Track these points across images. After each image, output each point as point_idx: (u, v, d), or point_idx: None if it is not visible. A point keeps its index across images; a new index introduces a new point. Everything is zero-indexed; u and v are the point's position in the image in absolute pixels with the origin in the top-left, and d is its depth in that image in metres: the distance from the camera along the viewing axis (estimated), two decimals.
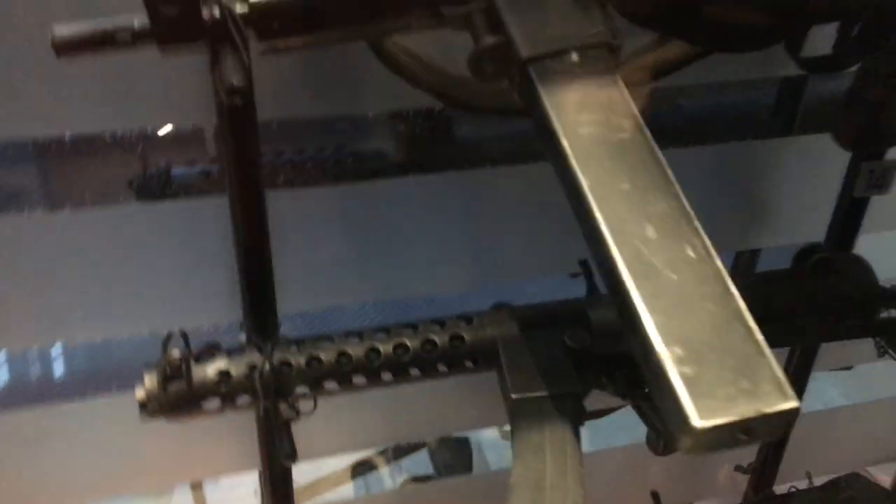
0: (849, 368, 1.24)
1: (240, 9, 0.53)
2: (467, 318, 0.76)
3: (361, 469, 1.48)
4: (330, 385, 0.73)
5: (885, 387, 1.30)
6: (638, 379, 0.81)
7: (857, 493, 1.03)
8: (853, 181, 0.88)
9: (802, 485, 1.12)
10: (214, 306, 0.89)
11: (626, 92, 0.50)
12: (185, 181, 0.96)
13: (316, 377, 0.72)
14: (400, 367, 0.73)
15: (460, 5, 0.55)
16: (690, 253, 0.43)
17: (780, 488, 1.15)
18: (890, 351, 0.90)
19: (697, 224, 0.45)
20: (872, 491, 1.06)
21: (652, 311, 0.41)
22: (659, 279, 0.42)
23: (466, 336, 0.74)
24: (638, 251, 0.43)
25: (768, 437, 0.40)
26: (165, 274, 0.87)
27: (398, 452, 1.51)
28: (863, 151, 0.85)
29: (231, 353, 0.71)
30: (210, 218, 0.84)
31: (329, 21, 0.55)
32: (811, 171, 0.97)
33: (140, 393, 0.69)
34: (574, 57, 0.51)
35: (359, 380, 0.73)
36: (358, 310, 0.98)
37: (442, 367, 0.75)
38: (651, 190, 0.46)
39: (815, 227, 0.97)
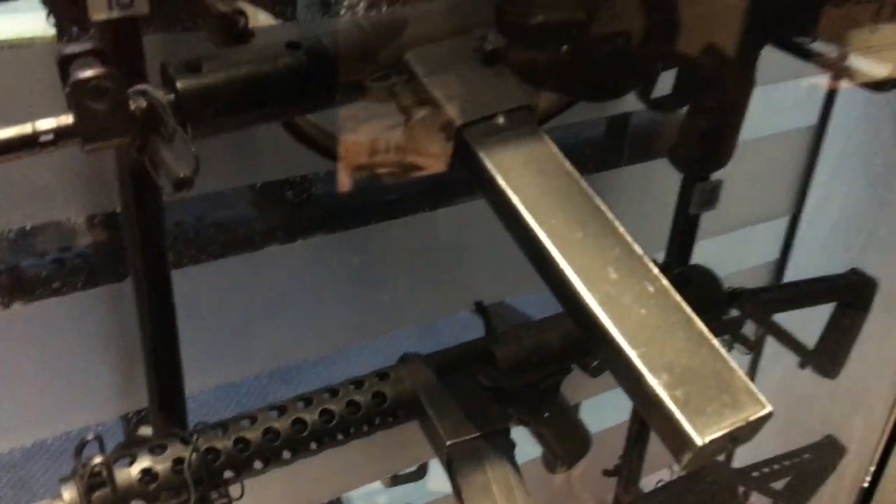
0: None
1: (168, 97, 0.53)
2: (383, 374, 0.77)
3: None
4: (258, 464, 0.71)
5: None
6: (538, 407, 0.87)
7: (717, 478, 1.16)
8: (687, 200, 0.99)
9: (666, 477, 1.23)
10: (88, 406, 0.83)
11: (554, 146, 0.55)
12: (35, 276, 0.89)
13: (244, 459, 0.70)
14: (327, 434, 0.73)
15: (384, 80, 0.57)
16: (650, 288, 0.49)
17: (646, 482, 1.25)
18: (735, 345, 1.02)
19: (648, 261, 0.50)
20: (728, 473, 1.18)
21: (634, 345, 0.46)
22: (631, 316, 0.47)
23: (387, 392, 0.76)
24: (607, 293, 0.48)
25: (748, 439, 0.46)
26: (30, 380, 0.80)
27: None
28: (694, 174, 0.97)
29: (152, 448, 0.68)
30: (72, 314, 0.79)
31: (260, 104, 0.55)
32: (645, 196, 1.09)
33: None
34: (501, 120, 0.55)
35: (287, 454, 0.72)
36: (252, 383, 0.95)
37: (367, 427, 0.76)
38: (601, 235, 0.51)
39: (654, 245, 1.08)
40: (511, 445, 0.73)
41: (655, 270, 0.49)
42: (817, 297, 1.03)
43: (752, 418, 0.44)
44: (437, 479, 1.45)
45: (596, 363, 0.85)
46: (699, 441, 0.43)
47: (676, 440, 0.44)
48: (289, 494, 1.02)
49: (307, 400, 0.74)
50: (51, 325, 0.77)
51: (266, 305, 0.91)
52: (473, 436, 0.72)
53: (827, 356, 1.09)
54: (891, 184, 1.36)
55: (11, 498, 0.86)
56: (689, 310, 0.48)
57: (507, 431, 0.75)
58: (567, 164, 0.54)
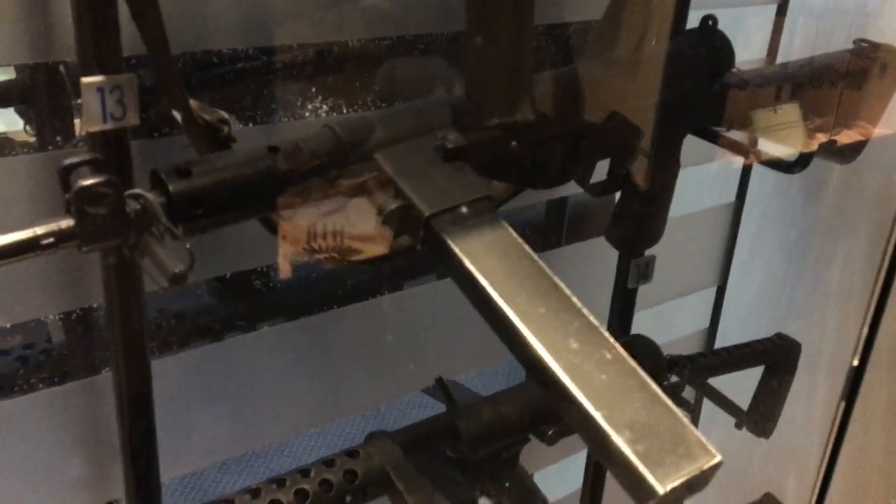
0: None
1: (160, 200, 0.57)
2: (352, 452, 0.81)
3: None
4: None
5: None
6: (499, 477, 0.92)
7: None
8: (625, 276, 1.07)
9: None
10: (59, 500, 0.84)
11: (512, 231, 0.62)
12: (4, 373, 0.90)
13: None
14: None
15: (356, 177, 0.63)
16: (608, 356, 0.55)
17: None
18: None
19: (604, 331, 0.56)
20: None
21: (598, 407, 0.51)
22: (593, 381, 0.53)
23: (358, 469, 0.79)
24: (570, 362, 0.54)
25: (702, 487, 0.51)
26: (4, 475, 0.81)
27: None
28: (629, 251, 1.05)
29: None
30: (45, 409, 0.80)
31: (244, 203, 0.61)
32: (585, 273, 1.16)
33: None
34: (464, 209, 0.62)
35: None
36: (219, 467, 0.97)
37: (362, 497, 0.79)
38: (562, 310, 0.57)
39: (596, 317, 1.15)
40: None
41: (611, 339, 0.56)
42: (747, 361, 1.11)
43: (705, 467, 0.50)
44: None
45: (552, 431, 0.90)
46: (660, 490, 0.48)
47: (640, 490, 0.49)
48: None
49: (280, 481, 0.76)
50: (24, 420, 0.79)
51: (227, 393, 0.93)
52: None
53: (760, 416, 1.16)
54: (805, 253, 1.48)
55: None
56: (643, 373, 0.54)
57: (474, 501, 0.78)
58: (525, 247, 0.61)
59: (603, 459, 0.52)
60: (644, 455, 0.49)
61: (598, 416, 0.51)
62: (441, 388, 0.89)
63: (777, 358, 1.12)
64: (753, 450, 1.60)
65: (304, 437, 0.94)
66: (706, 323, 1.40)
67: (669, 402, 0.53)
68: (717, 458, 0.51)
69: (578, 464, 1.30)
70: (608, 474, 1.26)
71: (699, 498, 1.51)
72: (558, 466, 1.55)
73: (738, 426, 1.17)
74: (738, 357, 1.10)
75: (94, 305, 0.77)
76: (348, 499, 0.79)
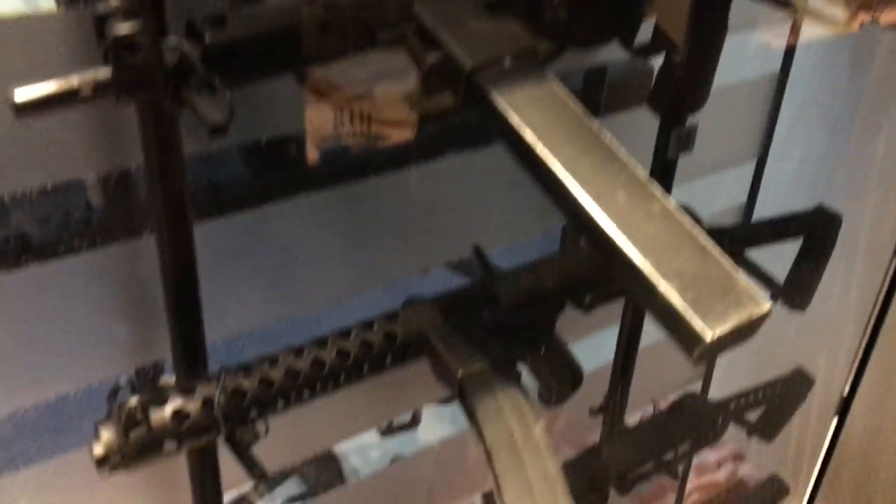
0: None
1: (196, 49, 0.56)
2: (392, 316, 0.82)
3: None
4: (281, 403, 0.75)
5: None
6: (535, 343, 0.93)
7: (697, 409, 1.22)
8: (665, 146, 1.04)
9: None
10: (105, 360, 0.86)
11: (559, 84, 0.60)
12: (51, 234, 0.91)
13: (269, 398, 0.74)
14: (343, 372, 0.78)
15: (392, 28, 0.61)
16: (655, 208, 0.54)
17: (630, 419, 1.31)
18: None
19: (652, 184, 0.55)
20: (707, 405, 1.25)
21: (646, 256, 0.51)
22: (641, 232, 0.52)
23: (397, 331, 0.80)
24: (618, 214, 0.53)
25: (749, 336, 0.51)
26: (50, 336, 0.83)
27: (269, 484, 1.50)
28: (671, 117, 1.02)
29: (183, 390, 0.71)
30: (89, 272, 0.81)
31: (280, 55, 0.59)
32: (623, 143, 1.13)
33: (98, 449, 0.68)
34: (508, 62, 0.60)
35: (307, 392, 0.77)
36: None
37: (380, 365, 0.80)
38: (609, 162, 0.55)
39: None
40: (517, 375, 0.78)
41: (658, 192, 0.54)
42: (787, 233, 1.10)
43: (754, 315, 0.50)
44: (429, 429, 1.51)
45: (589, 298, 0.90)
46: (709, 336, 0.48)
47: (688, 338, 0.49)
48: (285, 445, 1.06)
49: (322, 342, 0.78)
50: (69, 282, 0.80)
51: (265, 260, 0.94)
52: (482, 366, 0.77)
53: (796, 289, 1.15)
54: (848, 127, 1.44)
55: (44, 447, 0.89)
56: (690, 224, 0.53)
57: (513, 362, 0.79)
58: (572, 101, 0.59)
59: (651, 309, 0.51)
60: (693, 302, 0.49)
61: (646, 265, 0.50)
62: (478, 256, 0.89)
63: (817, 230, 1.10)
64: (786, 324, 1.60)
65: (340, 311, 0.94)
66: (744, 197, 1.38)
67: (718, 252, 0.52)
68: (766, 307, 0.50)
69: (610, 337, 1.31)
70: (639, 349, 1.28)
71: (730, 370, 1.53)
72: (589, 341, 1.57)
73: (774, 298, 1.17)
74: (777, 229, 1.09)
75: (134, 168, 0.76)
76: (388, 360, 0.81)
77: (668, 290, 0.49)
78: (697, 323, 0.48)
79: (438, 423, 1.47)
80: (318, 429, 1.10)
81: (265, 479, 0.72)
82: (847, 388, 1.28)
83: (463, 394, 0.76)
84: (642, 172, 0.55)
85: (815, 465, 1.66)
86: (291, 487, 1.54)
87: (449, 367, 0.77)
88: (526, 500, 0.64)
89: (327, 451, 1.60)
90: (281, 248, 0.94)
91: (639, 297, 0.52)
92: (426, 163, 1.02)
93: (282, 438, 1.04)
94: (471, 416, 0.74)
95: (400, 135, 1.26)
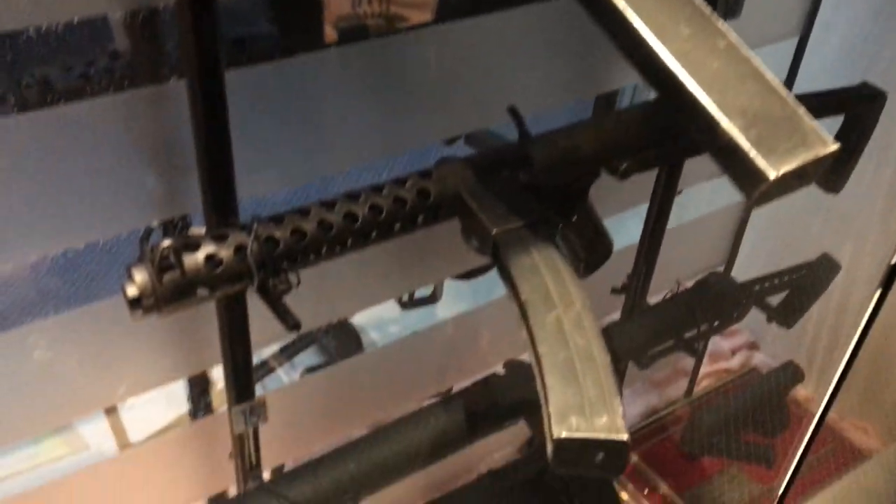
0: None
1: None
2: (425, 174, 0.80)
3: (258, 373, 1.48)
4: (313, 255, 0.74)
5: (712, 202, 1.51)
6: (568, 210, 0.91)
7: (723, 287, 1.22)
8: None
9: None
10: (135, 210, 0.85)
11: None
12: (78, 76, 0.88)
13: (301, 249, 0.73)
14: (376, 227, 0.76)
15: None
16: (720, 43, 0.51)
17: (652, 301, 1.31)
18: None
19: (716, 19, 0.52)
20: (732, 286, 1.25)
21: (710, 93, 0.48)
22: (705, 68, 0.49)
23: (431, 189, 0.79)
24: (681, 49, 0.50)
25: (813, 178, 0.49)
26: (78, 183, 0.81)
27: (288, 352, 1.52)
28: None
29: (215, 237, 0.70)
30: (115, 117, 0.79)
31: None
32: None
33: (132, 290, 0.67)
34: None
35: (338, 246, 0.76)
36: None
37: (412, 223, 0.79)
38: None
39: None
40: (553, 233, 0.77)
41: (724, 27, 0.51)
42: (828, 108, 1.06)
43: (820, 155, 0.47)
44: (449, 306, 1.52)
45: (624, 166, 0.88)
46: (772, 175, 0.46)
47: (750, 177, 0.47)
48: (307, 311, 1.06)
49: (355, 196, 0.76)
50: (95, 127, 0.78)
51: (295, 118, 0.91)
52: (517, 224, 0.76)
53: (831, 170, 1.12)
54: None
55: (73, 296, 0.90)
56: (757, 62, 0.50)
57: (548, 222, 0.78)
58: None
59: (712, 149, 0.49)
60: (756, 141, 0.47)
61: (709, 101, 0.48)
62: (513, 116, 0.86)
63: (860, 107, 1.07)
64: (813, 212, 1.58)
65: (371, 175, 0.92)
66: (784, 74, 1.33)
67: (784, 91, 0.50)
68: (833, 147, 0.48)
69: (637, 220, 1.30)
70: (665, 229, 1.26)
71: (753, 257, 1.51)
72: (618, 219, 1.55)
73: None
74: (818, 103, 1.05)
75: (161, 6, 0.73)
76: (420, 218, 0.80)
77: (731, 128, 0.47)
78: (760, 161, 0.46)
79: (459, 300, 1.47)
80: (339, 296, 1.09)
81: (298, 330, 0.72)
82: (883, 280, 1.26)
83: (497, 252, 0.75)
84: (707, 7, 0.52)
85: (829, 357, 1.67)
86: (311, 358, 1.57)
87: (484, 224, 0.76)
88: (562, 349, 0.63)
89: (347, 323, 1.62)
90: (310, 106, 0.91)
91: (700, 136, 0.49)
92: (460, 21, 0.98)
93: (304, 304, 1.05)
94: (505, 273, 0.73)
95: (419, 16, 1.21)
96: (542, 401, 0.62)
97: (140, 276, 0.67)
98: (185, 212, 0.86)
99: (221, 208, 0.77)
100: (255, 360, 1.50)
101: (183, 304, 0.70)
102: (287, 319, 0.72)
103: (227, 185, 0.76)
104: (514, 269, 0.72)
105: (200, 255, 0.69)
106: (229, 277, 0.70)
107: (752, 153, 0.47)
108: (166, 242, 0.66)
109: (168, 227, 0.88)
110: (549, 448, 0.59)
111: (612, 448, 0.57)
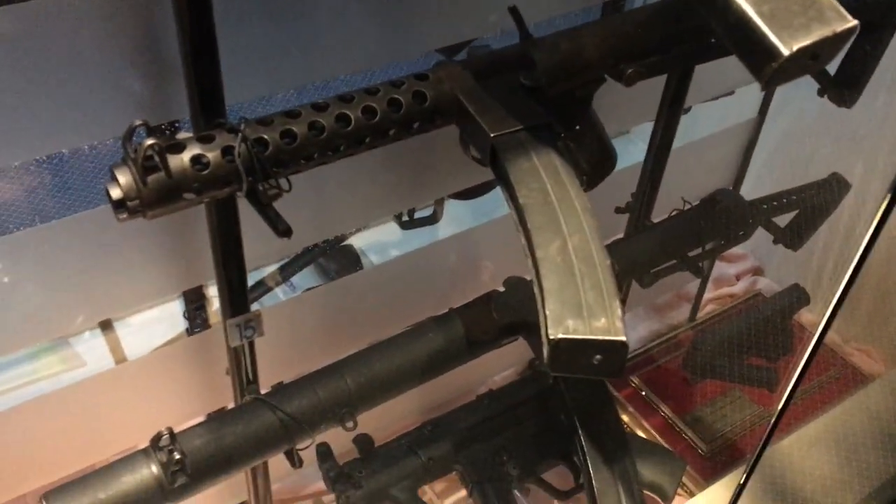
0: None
1: None
2: (421, 76, 0.76)
3: (255, 293, 1.47)
4: (304, 159, 0.72)
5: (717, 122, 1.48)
6: (571, 117, 0.88)
7: (730, 204, 1.19)
8: None
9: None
10: (121, 117, 0.81)
11: None
12: None
13: (291, 152, 0.70)
14: (369, 131, 0.73)
15: None
16: None
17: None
18: None
19: None
20: (739, 202, 1.22)
21: None
22: None
23: (427, 92, 0.75)
24: None
25: (830, 58, 0.46)
26: (63, 88, 0.78)
27: (286, 271, 1.51)
28: None
29: (201, 138, 0.68)
30: (100, 21, 0.75)
31: None
32: None
33: (116, 191, 0.65)
34: None
35: (330, 150, 0.73)
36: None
37: (407, 128, 0.76)
38: None
39: None
40: (554, 138, 0.74)
41: None
42: None
43: (837, 31, 0.44)
44: (449, 227, 1.50)
45: (631, 71, 0.84)
46: (786, 51, 0.43)
47: (762, 54, 0.44)
48: (305, 226, 1.04)
49: (348, 98, 0.73)
50: (77, 23, 0.74)
51: (287, 19, 0.87)
52: (517, 128, 0.73)
53: (845, 84, 1.09)
54: None
55: (59, 203, 0.89)
56: None
57: (550, 125, 0.75)
58: None
59: (722, 27, 0.46)
60: (770, 15, 0.44)
61: None
62: (514, 17, 0.82)
63: (875, 14, 1.02)
64: (824, 130, 1.54)
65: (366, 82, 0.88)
66: None
67: None
68: (851, 23, 0.45)
69: (641, 141, 1.27)
70: (672, 148, 1.22)
71: (764, 176, 1.47)
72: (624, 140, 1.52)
73: (821, 94, 1.10)
74: None
75: None
76: (416, 124, 0.77)
77: (744, 3, 0.44)
78: (773, 37, 0.43)
79: (459, 222, 1.45)
80: (337, 211, 1.07)
81: (289, 237, 0.69)
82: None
83: (495, 157, 0.72)
84: None
85: (836, 281, 1.65)
86: (311, 281, 1.55)
87: (482, 128, 0.73)
88: (560, 252, 0.61)
89: (347, 246, 1.60)
90: (303, 3, 0.87)
91: (712, 14, 0.46)
92: None
93: (301, 218, 1.03)
94: (503, 179, 0.71)
95: None
96: (539, 304, 0.60)
97: (123, 177, 0.65)
98: (174, 117, 0.83)
99: (208, 110, 0.74)
100: (254, 279, 1.49)
101: (169, 208, 0.68)
102: (277, 225, 0.69)
103: (213, 85, 0.73)
104: (512, 173, 0.69)
105: (186, 156, 0.67)
106: (216, 180, 0.68)
107: (765, 28, 0.44)
108: (150, 141, 0.64)
109: (156, 132, 0.85)
110: (546, 350, 0.57)
111: (609, 349, 0.55)
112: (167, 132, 0.86)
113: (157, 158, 0.65)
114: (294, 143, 0.70)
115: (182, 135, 0.71)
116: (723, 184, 1.48)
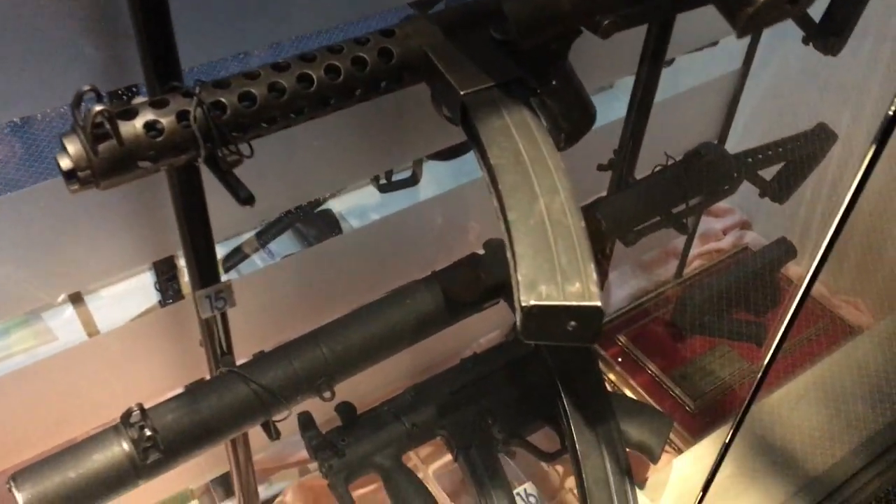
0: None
1: None
2: (388, 32, 0.73)
3: (233, 259, 1.44)
4: (265, 123, 0.69)
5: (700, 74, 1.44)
6: (546, 73, 0.84)
7: (714, 158, 1.16)
8: None
9: None
10: (76, 81, 0.78)
11: None
12: None
13: (251, 115, 0.67)
14: (333, 92, 0.70)
15: None
16: None
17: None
18: None
19: None
20: (724, 156, 1.19)
21: None
22: None
23: (394, 49, 0.72)
24: None
25: (807, 3, 0.43)
26: (17, 54, 0.74)
27: (264, 238, 1.48)
28: None
29: (153, 103, 0.64)
30: None
31: None
32: None
33: (66, 161, 0.61)
34: None
35: (293, 113, 0.69)
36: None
37: (373, 88, 0.72)
38: None
39: None
40: (526, 96, 0.71)
41: None
42: None
43: None
44: (429, 190, 1.47)
45: (607, 22, 0.81)
46: None
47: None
48: (279, 190, 1.01)
49: (310, 57, 0.70)
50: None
51: None
52: (488, 85, 0.70)
53: (831, 31, 1.05)
54: None
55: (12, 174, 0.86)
56: None
57: (523, 81, 0.72)
58: None
59: None
60: None
61: None
62: None
63: None
64: (810, 81, 1.51)
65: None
66: None
67: None
68: None
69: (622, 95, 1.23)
70: (654, 101, 1.19)
71: (749, 129, 1.44)
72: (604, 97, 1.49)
73: (805, 41, 1.07)
74: None
75: None
76: (383, 84, 0.73)
77: None
78: None
79: (439, 183, 1.42)
80: (310, 175, 1.04)
81: (251, 204, 0.66)
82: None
83: (466, 115, 0.69)
84: None
85: (823, 234, 1.63)
86: (289, 246, 1.53)
87: (452, 86, 0.70)
88: (533, 214, 0.58)
89: (326, 210, 1.57)
90: None
91: None
92: None
93: (273, 183, 1.00)
94: (474, 138, 0.68)
95: None
96: (512, 269, 0.57)
97: (73, 146, 0.61)
98: (130, 82, 0.80)
99: (162, 74, 0.70)
100: (231, 246, 1.47)
101: (124, 177, 0.64)
102: (239, 193, 0.66)
103: (167, 46, 0.70)
104: (483, 132, 0.67)
105: (139, 122, 0.63)
106: (172, 147, 0.65)
107: None
108: (98, 107, 0.60)
109: (112, 98, 0.82)
110: (518, 317, 0.55)
111: (584, 315, 0.53)
112: (125, 97, 0.82)
113: (107, 125, 0.61)
114: (254, 106, 0.67)
115: (138, 101, 0.68)
116: (707, 137, 1.45)
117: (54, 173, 0.68)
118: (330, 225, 1.54)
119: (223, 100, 0.66)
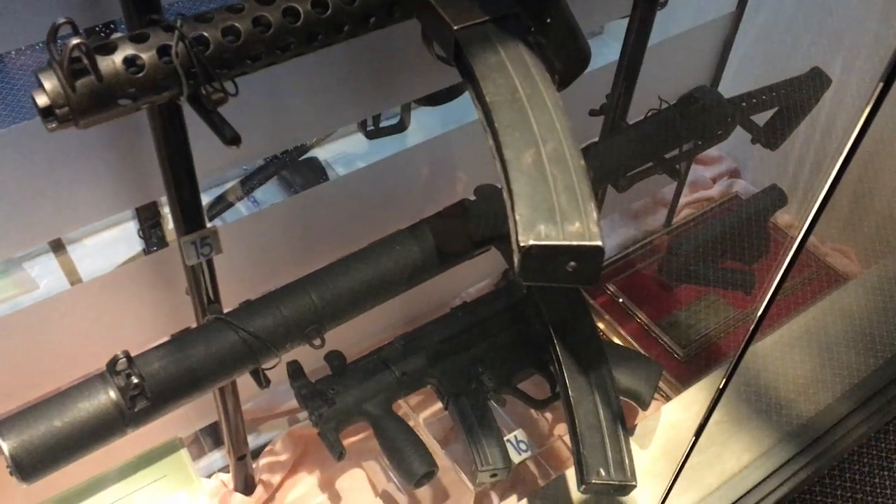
0: None
1: None
2: None
3: (217, 207, 1.41)
4: (249, 59, 0.66)
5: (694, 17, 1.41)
6: (540, 10, 0.81)
7: (708, 102, 1.14)
8: None
9: None
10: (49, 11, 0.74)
11: None
12: None
13: (235, 50, 0.64)
14: (320, 26, 0.67)
15: None
16: None
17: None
18: None
19: None
20: (718, 100, 1.17)
21: None
22: None
23: None
24: None
25: None
26: None
27: (248, 185, 1.45)
28: None
29: (133, 37, 0.61)
30: None
31: None
32: None
33: (42, 98, 0.59)
34: None
35: (279, 49, 0.67)
36: None
37: (363, 22, 0.70)
38: None
39: None
40: (523, 30, 0.68)
41: None
42: None
43: None
44: (417, 136, 1.44)
45: None
46: None
47: None
48: (263, 133, 0.98)
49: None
50: None
51: None
52: (482, 19, 0.67)
53: None
54: None
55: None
56: None
57: (518, 16, 0.69)
58: None
59: None
60: None
61: None
62: None
63: None
64: (804, 25, 1.49)
65: None
66: None
67: None
68: None
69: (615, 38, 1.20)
70: (647, 45, 1.16)
71: (743, 73, 1.41)
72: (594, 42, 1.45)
73: None
74: None
75: None
76: (373, 20, 0.70)
77: None
78: None
79: (427, 130, 1.39)
80: (296, 119, 1.01)
81: (237, 144, 0.64)
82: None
83: (459, 52, 0.67)
84: None
85: (813, 181, 1.62)
86: (275, 195, 1.50)
87: (444, 21, 0.67)
88: (531, 152, 0.56)
89: (312, 158, 1.54)
90: None
91: None
92: None
93: (259, 126, 0.97)
94: (469, 75, 0.65)
95: None
96: (509, 209, 0.55)
97: (49, 82, 0.59)
98: (108, 18, 0.76)
99: (141, 6, 0.67)
100: (214, 194, 1.44)
101: (103, 115, 0.62)
102: (224, 132, 0.64)
103: None
104: (477, 69, 0.64)
105: (118, 57, 0.61)
106: (154, 84, 0.62)
107: None
108: (75, 41, 0.57)
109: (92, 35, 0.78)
110: (516, 258, 0.53)
111: (584, 255, 0.51)
112: (103, 35, 0.79)
113: (85, 60, 0.59)
114: (238, 41, 0.64)
115: (116, 36, 0.65)
116: (700, 82, 1.42)
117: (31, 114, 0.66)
118: (316, 173, 1.51)
119: (206, 34, 0.63)
